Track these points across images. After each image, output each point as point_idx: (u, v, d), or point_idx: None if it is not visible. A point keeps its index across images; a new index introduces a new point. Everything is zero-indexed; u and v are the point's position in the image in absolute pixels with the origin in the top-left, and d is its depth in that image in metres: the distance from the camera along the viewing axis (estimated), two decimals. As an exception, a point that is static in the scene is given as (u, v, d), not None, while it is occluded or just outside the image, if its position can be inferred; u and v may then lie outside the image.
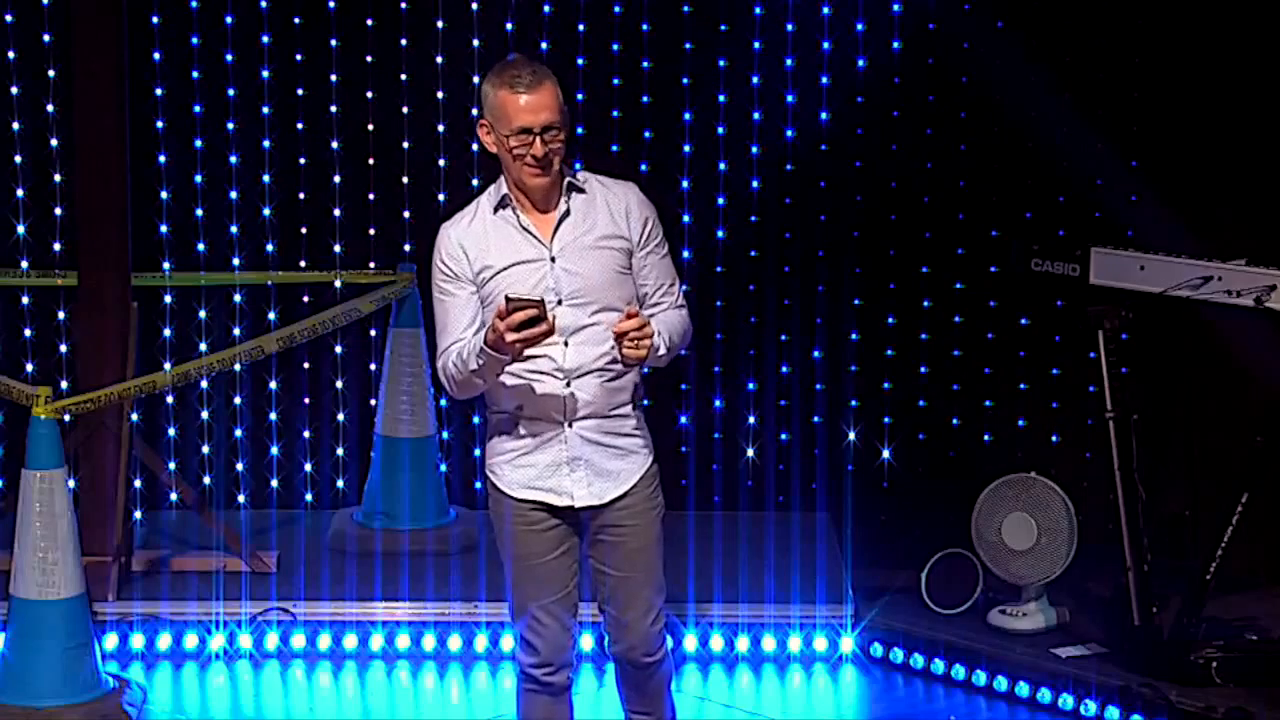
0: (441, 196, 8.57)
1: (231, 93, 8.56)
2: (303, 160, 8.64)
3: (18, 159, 8.52)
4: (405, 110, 8.61)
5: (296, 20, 8.56)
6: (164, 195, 8.55)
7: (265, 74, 8.55)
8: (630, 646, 5.82)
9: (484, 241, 5.56)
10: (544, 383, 5.57)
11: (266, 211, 8.63)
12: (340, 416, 8.78)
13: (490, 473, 5.73)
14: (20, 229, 8.53)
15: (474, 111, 8.52)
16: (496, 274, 5.54)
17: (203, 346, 8.52)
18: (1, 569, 7.26)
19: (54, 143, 8.47)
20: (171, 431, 8.61)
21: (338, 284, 8.47)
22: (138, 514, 8.30)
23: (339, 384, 8.76)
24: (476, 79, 8.51)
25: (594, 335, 5.54)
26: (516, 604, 5.74)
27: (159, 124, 8.53)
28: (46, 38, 8.45)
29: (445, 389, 5.63)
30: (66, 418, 7.26)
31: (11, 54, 8.49)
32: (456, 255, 5.56)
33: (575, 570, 5.75)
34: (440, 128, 8.58)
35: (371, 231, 8.70)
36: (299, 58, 8.59)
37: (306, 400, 8.77)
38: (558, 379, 5.56)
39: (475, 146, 8.52)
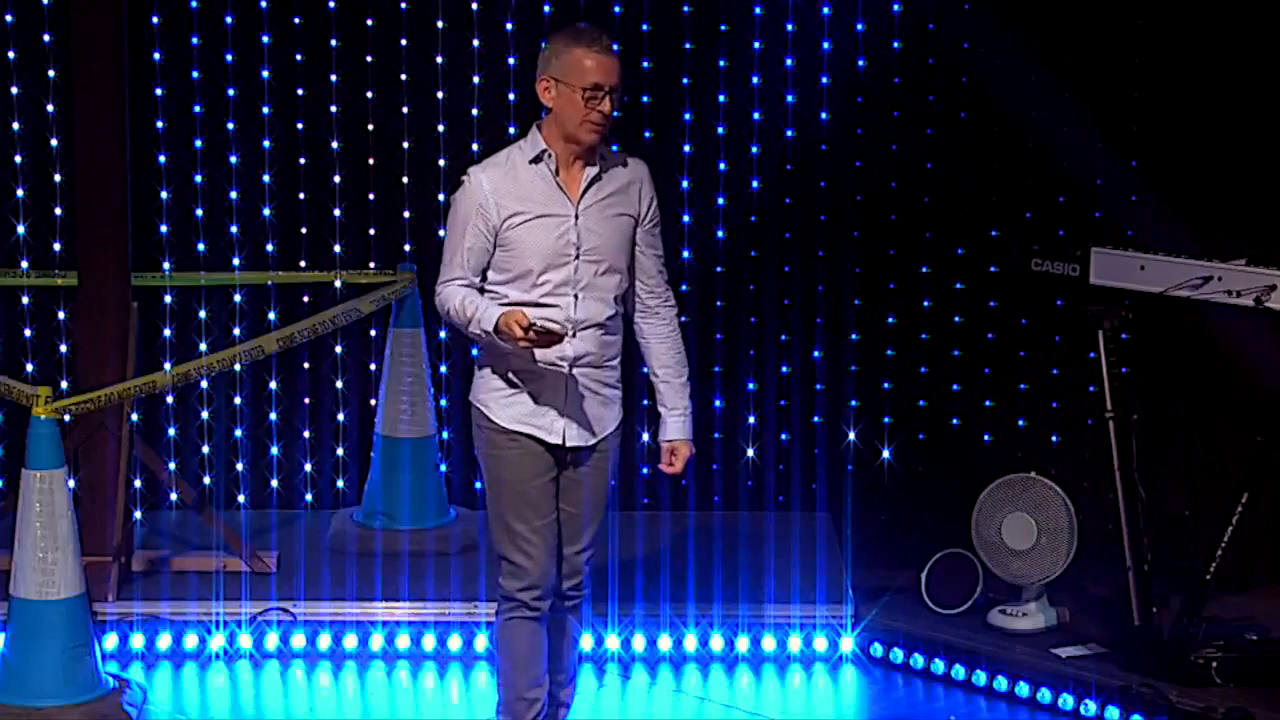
0: (441, 196, 8.57)
1: (231, 93, 8.56)
2: (303, 160, 8.64)
3: (18, 159, 8.52)
4: (405, 110, 8.61)
5: (296, 20, 8.56)
6: (164, 195, 8.55)
7: (265, 74, 8.55)
8: (565, 574, 6.14)
9: (517, 189, 5.93)
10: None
11: (266, 211, 8.63)
12: (340, 416, 8.78)
13: (482, 406, 6.07)
14: (20, 229, 8.53)
15: (474, 111, 8.53)
16: (526, 221, 5.92)
17: (203, 346, 8.52)
18: (1, 569, 7.26)
19: (54, 143, 8.47)
20: (171, 431, 8.61)
21: (338, 284, 8.47)
22: (138, 514, 8.30)
23: (339, 384, 8.76)
24: (476, 79, 8.51)
25: (602, 291, 6.00)
26: (505, 526, 6.03)
27: (159, 124, 8.53)
28: (46, 38, 8.45)
29: (437, 309, 6.02)
30: (66, 418, 7.26)
31: (11, 54, 8.49)
32: (487, 205, 5.93)
33: (555, 501, 6.08)
34: (440, 128, 8.58)
35: (371, 231, 8.70)
36: (299, 58, 8.59)
37: (306, 400, 8.77)
38: (565, 329, 5.91)
39: (476, 146, 8.52)
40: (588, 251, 5.95)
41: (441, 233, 8.54)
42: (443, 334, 8.62)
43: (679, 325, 6.22)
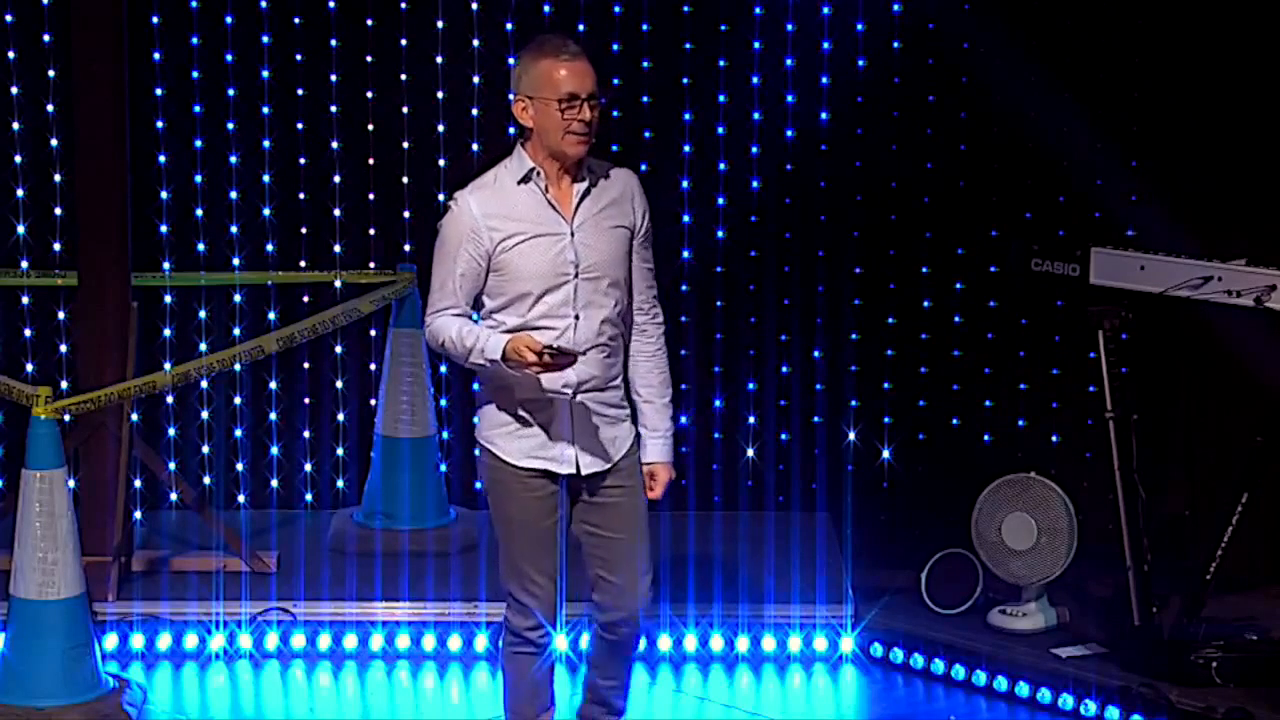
0: (441, 196, 8.56)
1: (231, 93, 8.56)
2: (303, 160, 8.64)
3: (18, 159, 8.52)
4: (405, 110, 8.61)
5: (296, 20, 8.56)
6: (164, 195, 8.55)
7: (265, 74, 8.55)
8: (630, 612, 5.97)
9: (510, 212, 5.77)
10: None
11: (266, 211, 8.63)
12: (340, 416, 8.78)
13: (488, 444, 5.90)
14: (20, 229, 8.53)
15: (474, 111, 8.53)
16: (520, 243, 5.75)
17: (203, 346, 8.52)
18: (1, 569, 7.26)
19: (54, 143, 8.47)
20: (171, 431, 8.61)
21: (338, 284, 8.47)
22: (138, 514, 8.30)
23: (339, 384, 8.76)
24: (476, 79, 8.51)
25: (603, 311, 5.83)
26: (514, 568, 5.92)
27: (159, 124, 8.53)
28: (46, 38, 8.45)
29: (429, 343, 5.87)
30: (66, 418, 7.26)
31: (11, 54, 8.49)
32: (478, 229, 5.75)
33: (564, 538, 5.95)
34: (440, 128, 8.58)
35: (371, 231, 8.70)
36: (299, 58, 8.59)
37: (306, 400, 8.77)
38: (578, 349, 5.75)
39: (475, 146, 8.53)
40: (587, 269, 5.77)
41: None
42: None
43: (664, 343, 6.04)
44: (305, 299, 8.63)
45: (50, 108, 8.47)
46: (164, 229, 8.56)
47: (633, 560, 5.95)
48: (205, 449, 8.66)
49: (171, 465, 8.39)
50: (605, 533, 5.94)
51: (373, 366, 8.73)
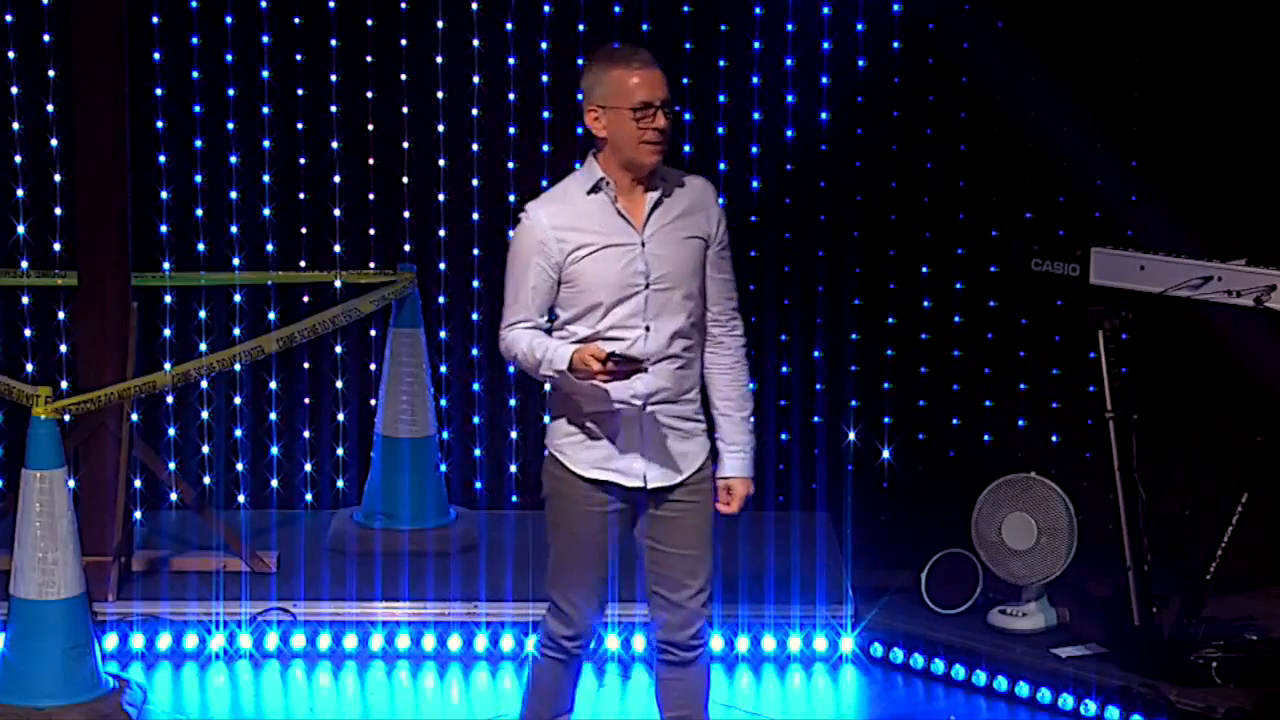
0: (441, 196, 8.57)
1: (231, 93, 8.56)
2: (303, 160, 8.64)
3: (18, 159, 8.52)
4: (405, 110, 8.61)
5: (296, 20, 8.56)
6: (164, 195, 8.55)
7: (265, 74, 8.55)
8: (682, 624, 5.86)
9: (580, 223, 5.69)
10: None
11: (266, 211, 8.63)
12: (340, 416, 8.78)
13: (557, 452, 5.81)
14: (20, 229, 8.53)
15: (474, 111, 8.53)
16: (591, 254, 5.68)
17: (203, 346, 8.52)
18: (1, 569, 7.27)
19: (54, 143, 8.47)
20: (171, 431, 8.61)
21: (338, 284, 8.47)
22: (138, 514, 8.30)
23: (339, 384, 8.76)
24: (476, 79, 8.51)
25: (674, 322, 5.73)
26: (562, 577, 5.85)
27: (159, 124, 8.53)
28: (46, 38, 8.45)
29: (504, 356, 5.79)
30: (66, 418, 7.26)
31: (11, 54, 8.49)
32: (548, 241, 5.67)
33: (611, 556, 5.87)
34: (440, 128, 8.58)
35: (371, 231, 8.70)
36: (299, 58, 8.59)
37: (306, 400, 8.77)
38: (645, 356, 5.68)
39: (476, 146, 8.52)
40: (658, 280, 5.67)
41: (442, 233, 8.58)
42: (443, 334, 8.63)
43: (745, 356, 5.92)
44: (305, 299, 8.63)
45: (50, 108, 8.47)
46: (164, 229, 8.56)
47: (691, 578, 5.83)
48: (205, 449, 8.66)
49: (171, 465, 8.39)
50: (667, 548, 5.83)
51: (373, 366, 8.73)
